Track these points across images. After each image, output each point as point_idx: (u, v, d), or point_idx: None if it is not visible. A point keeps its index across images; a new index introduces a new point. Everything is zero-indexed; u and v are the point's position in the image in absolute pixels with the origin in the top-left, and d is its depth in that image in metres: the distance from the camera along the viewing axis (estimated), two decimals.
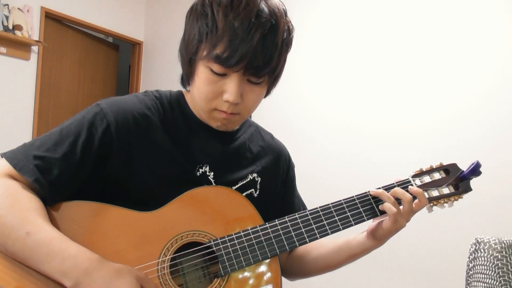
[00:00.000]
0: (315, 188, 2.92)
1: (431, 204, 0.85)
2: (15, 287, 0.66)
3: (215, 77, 0.75)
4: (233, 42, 0.71)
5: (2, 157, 0.74)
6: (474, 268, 1.15)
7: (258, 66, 0.74)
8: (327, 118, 3.02)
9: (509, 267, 1.10)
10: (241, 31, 0.71)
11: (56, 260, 0.65)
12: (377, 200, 0.84)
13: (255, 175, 0.91)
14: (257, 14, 0.73)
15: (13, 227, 0.66)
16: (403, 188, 0.84)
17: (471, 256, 1.17)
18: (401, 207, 0.82)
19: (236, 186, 0.87)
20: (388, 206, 0.81)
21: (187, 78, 0.82)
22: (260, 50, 0.73)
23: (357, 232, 0.89)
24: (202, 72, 0.76)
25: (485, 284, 1.10)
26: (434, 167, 0.89)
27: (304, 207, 1.01)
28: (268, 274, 0.78)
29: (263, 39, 0.73)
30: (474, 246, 1.17)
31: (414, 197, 0.83)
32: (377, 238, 0.85)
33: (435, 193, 0.86)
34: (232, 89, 0.75)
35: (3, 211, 0.67)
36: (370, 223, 0.87)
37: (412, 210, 0.82)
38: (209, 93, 0.77)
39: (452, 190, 0.87)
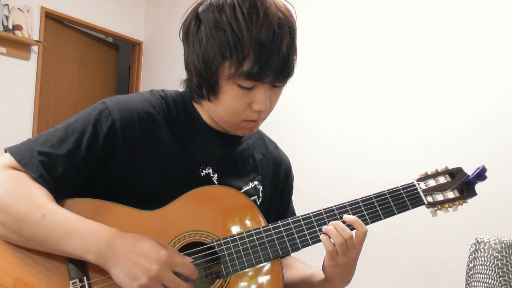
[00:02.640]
0: (318, 190, 2.92)
1: (436, 208, 0.85)
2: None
3: (243, 91, 0.75)
4: (262, 56, 0.71)
5: (6, 151, 0.74)
6: (474, 268, 1.15)
7: (286, 74, 0.75)
8: (329, 120, 3.02)
9: (509, 267, 1.10)
10: (268, 44, 0.71)
11: (76, 237, 0.66)
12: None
13: (256, 182, 0.91)
14: (278, 23, 0.72)
15: (27, 212, 0.67)
16: (408, 191, 0.84)
17: (471, 256, 1.17)
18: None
19: (241, 191, 0.87)
20: (325, 241, 0.77)
21: (207, 95, 0.79)
22: (287, 58, 0.74)
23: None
24: (230, 90, 0.75)
25: (485, 284, 1.11)
26: (440, 171, 0.88)
27: None
28: (270, 276, 0.78)
29: (288, 47, 0.73)
30: (474, 246, 1.17)
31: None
32: (328, 278, 0.82)
33: (439, 197, 0.85)
34: (262, 99, 0.76)
35: (15, 198, 0.68)
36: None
37: (349, 253, 0.77)
38: (239, 108, 0.77)
39: (457, 194, 0.86)
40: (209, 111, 0.83)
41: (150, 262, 0.65)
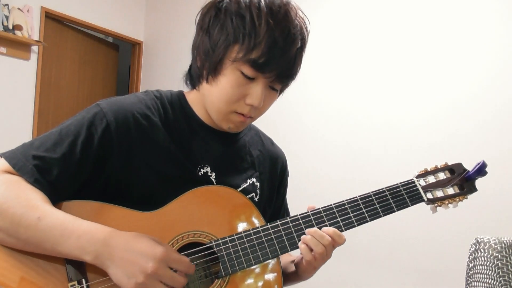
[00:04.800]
0: (316, 188, 2.92)
1: (436, 204, 0.85)
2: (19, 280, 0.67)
3: (244, 80, 0.76)
4: (272, 50, 0.73)
5: (1, 157, 0.74)
6: (474, 268, 1.15)
7: (287, 76, 0.78)
8: (329, 117, 3.02)
9: (509, 267, 1.10)
10: (281, 41, 0.73)
11: (72, 238, 0.67)
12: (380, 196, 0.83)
13: (254, 179, 0.91)
14: (295, 27, 0.75)
15: (23, 215, 0.67)
16: (407, 188, 0.84)
17: (471, 256, 1.17)
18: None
19: (239, 189, 0.88)
20: (304, 249, 0.78)
21: (207, 75, 0.79)
22: (293, 62, 0.76)
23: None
24: (231, 74, 0.76)
25: (485, 284, 1.10)
26: (439, 167, 0.88)
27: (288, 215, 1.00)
28: (269, 275, 0.78)
29: (297, 51, 0.76)
30: (474, 246, 1.17)
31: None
32: (298, 274, 0.86)
33: (439, 193, 0.85)
34: (258, 94, 0.77)
35: (10, 202, 0.68)
36: None
37: (327, 257, 0.79)
38: (234, 95, 0.77)
39: (457, 190, 0.86)
40: (203, 98, 0.83)
41: (147, 259, 0.65)
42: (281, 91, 0.84)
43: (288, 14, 0.75)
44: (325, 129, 3.02)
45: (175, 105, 0.85)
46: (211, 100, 0.81)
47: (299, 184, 2.67)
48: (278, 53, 0.73)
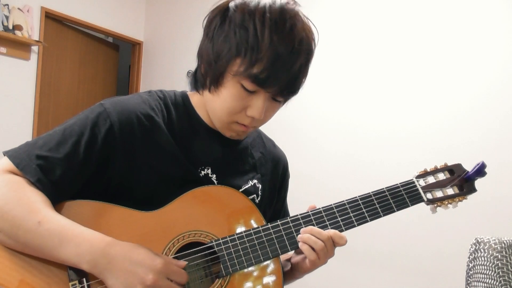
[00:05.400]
0: (316, 188, 2.92)
1: (435, 205, 0.85)
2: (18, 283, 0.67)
3: (244, 93, 0.75)
4: (274, 66, 0.72)
5: (4, 155, 0.74)
6: (474, 268, 1.15)
7: (289, 91, 0.77)
8: (328, 117, 3.02)
9: (509, 267, 1.10)
10: (284, 56, 0.72)
11: (71, 245, 0.67)
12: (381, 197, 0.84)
13: (255, 181, 0.91)
14: (300, 42, 0.73)
15: (23, 218, 0.67)
16: (407, 189, 0.84)
17: (471, 256, 1.17)
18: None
19: (240, 190, 0.88)
20: (307, 250, 0.78)
21: (209, 85, 0.79)
22: (296, 77, 0.75)
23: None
24: (232, 87, 0.75)
25: (485, 284, 1.10)
26: (439, 167, 0.88)
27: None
28: (270, 275, 0.79)
29: (301, 66, 0.75)
30: (474, 246, 1.17)
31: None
32: (294, 274, 0.87)
33: (439, 193, 0.85)
34: (259, 107, 0.76)
35: (11, 204, 0.68)
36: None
37: (329, 254, 0.79)
38: (235, 108, 0.77)
39: (457, 190, 0.86)
40: (206, 104, 0.84)
41: (146, 271, 0.65)
42: (285, 101, 0.83)
43: (294, 28, 0.73)
44: (322, 132, 3.02)
45: (179, 106, 0.85)
46: (213, 109, 0.81)
47: (297, 189, 2.67)
48: (280, 69, 0.72)
